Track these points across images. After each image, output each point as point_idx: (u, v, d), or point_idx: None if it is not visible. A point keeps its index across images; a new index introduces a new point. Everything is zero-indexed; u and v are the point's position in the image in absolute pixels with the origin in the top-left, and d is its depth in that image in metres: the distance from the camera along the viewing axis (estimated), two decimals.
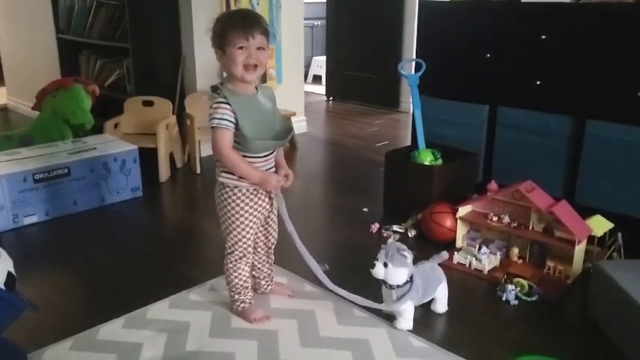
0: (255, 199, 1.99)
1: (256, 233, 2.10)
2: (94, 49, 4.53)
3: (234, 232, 2.01)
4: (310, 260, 2.11)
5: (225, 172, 1.96)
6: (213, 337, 2.01)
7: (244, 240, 2.02)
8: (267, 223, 2.13)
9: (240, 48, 1.83)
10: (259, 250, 2.18)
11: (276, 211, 2.12)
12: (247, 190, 1.97)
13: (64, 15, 4.62)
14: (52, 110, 3.70)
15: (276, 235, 2.19)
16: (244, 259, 2.05)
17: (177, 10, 4.04)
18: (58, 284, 2.41)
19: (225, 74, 1.95)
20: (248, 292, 2.10)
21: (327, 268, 2.45)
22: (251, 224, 2.01)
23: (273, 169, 2.02)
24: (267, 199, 2.03)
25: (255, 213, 2.01)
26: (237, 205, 1.97)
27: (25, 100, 5.40)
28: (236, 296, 2.10)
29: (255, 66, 1.86)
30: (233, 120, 1.86)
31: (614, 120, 2.64)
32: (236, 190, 1.96)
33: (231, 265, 2.06)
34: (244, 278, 2.07)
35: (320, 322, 2.09)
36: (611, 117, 2.65)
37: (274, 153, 2.02)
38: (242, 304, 2.10)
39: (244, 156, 1.91)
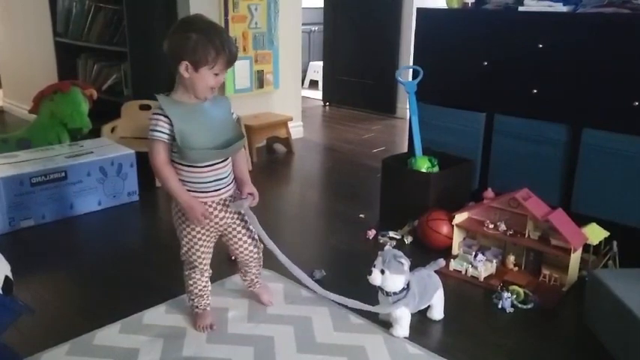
0: (205, 206, 1.94)
1: (210, 245, 2.04)
2: (91, 52, 4.53)
3: (184, 242, 2.01)
4: (296, 271, 2.12)
5: None
6: (209, 342, 2.01)
7: (193, 251, 2.01)
8: (229, 238, 2.07)
9: (216, 74, 1.83)
10: (238, 259, 2.17)
11: (239, 228, 2.06)
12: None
13: (62, 18, 4.62)
14: (49, 113, 3.70)
15: (246, 253, 2.11)
16: (197, 269, 2.04)
17: (175, 14, 4.04)
18: (54, 288, 2.41)
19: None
20: (202, 300, 2.09)
21: (324, 274, 2.46)
22: (200, 236, 1.98)
23: (227, 179, 1.96)
24: (217, 212, 1.96)
25: (207, 222, 1.96)
26: (184, 215, 1.94)
27: (21, 103, 5.39)
28: (190, 302, 2.11)
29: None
30: (167, 131, 1.82)
31: (610, 129, 2.66)
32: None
33: (186, 274, 2.07)
34: (199, 287, 2.07)
35: (316, 329, 2.09)
36: (608, 126, 2.67)
37: (226, 164, 1.95)
38: (195, 309, 2.10)
39: (191, 166, 1.87)
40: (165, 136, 1.83)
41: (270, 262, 2.51)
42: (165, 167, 1.86)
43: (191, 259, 2.03)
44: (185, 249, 2.03)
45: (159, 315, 2.17)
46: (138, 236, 3.05)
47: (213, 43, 1.79)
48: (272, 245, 2.07)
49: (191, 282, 2.07)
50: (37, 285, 2.41)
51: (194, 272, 2.05)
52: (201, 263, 2.04)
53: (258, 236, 2.09)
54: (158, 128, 1.82)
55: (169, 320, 2.14)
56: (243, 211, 2.02)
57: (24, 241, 2.87)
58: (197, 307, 2.10)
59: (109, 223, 3.13)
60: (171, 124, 1.82)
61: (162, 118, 1.83)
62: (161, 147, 1.84)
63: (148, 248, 2.83)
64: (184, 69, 1.81)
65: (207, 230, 2.00)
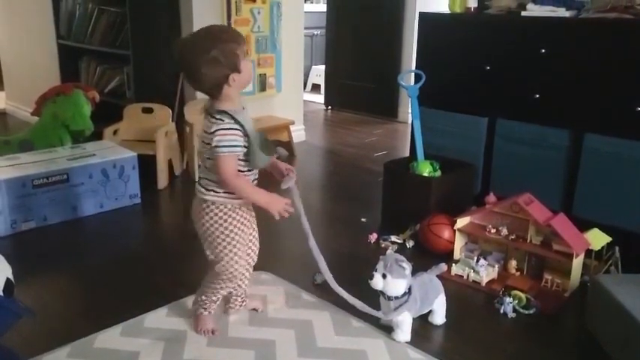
0: (242, 213, 1.94)
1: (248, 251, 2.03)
2: (94, 55, 4.54)
3: (224, 255, 1.94)
4: (321, 261, 2.09)
5: (214, 189, 1.88)
6: (210, 346, 2.00)
7: (234, 262, 1.95)
8: (250, 239, 2.07)
9: (245, 56, 1.82)
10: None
11: (255, 226, 2.07)
12: (232, 205, 1.90)
13: (65, 20, 4.63)
14: (51, 116, 3.71)
15: (257, 251, 2.11)
16: (235, 279, 2.00)
17: (178, 17, 4.05)
18: (55, 291, 2.41)
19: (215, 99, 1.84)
20: (213, 305, 2.06)
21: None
22: (243, 241, 1.96)
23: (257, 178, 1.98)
24: (252, 213, 2.00)
25: (244, 229, 1.95)
26: (228, 222, 1.90)
27: (24, 105, 5.40)
28: (199, 302, 2.06)
29: None
30: (243, 143, 1.81)
31: (612, 134, 2.65)
32: (228, 205, 1.90)
33: (217, 284, 2.00)
34: (218, 295, 2.05)
35: (317, 333, 2.09)
36: (610, 131, 2.66)
37: None
38: (201, 311, 2.06)
39: (240, 171, 1.87)
40: (243, 149, 1.82)
41: (270, 265, 2.52)
42: (239, 177, 1.84)
43: (230, 270, 1.96)
44: (225, 262, 1.94)
45: (160, 318, 2.17)
46: (139, 239, 3.05)
47: (230, 39, 1.77)
48: (307, 226, 2.04)
49: (219, 286, 2.00)
50: (39, 287, 2.41)
51: (231, 282, 2.00)
52: (241, 273, 2.00)
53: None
54: (236, 143, 1.79)
55: (170, 323, 2.13)
56: (291, 187, 1.99)
57: (25, 244, 2.87)
58: (204, 309, 2.05)
59: (110, 226, 3.13)
60: (245, 135, 1.80)
61: (237, 132, 1.79)
62: (235, 160, 1.82)
63: (149, 251, 2.83)
64: (232, 80, 1.78)
65: (246, 234, 1.97)
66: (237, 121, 1.80)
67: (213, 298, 2.05)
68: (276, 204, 1.89)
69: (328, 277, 2.12)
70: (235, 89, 1.82)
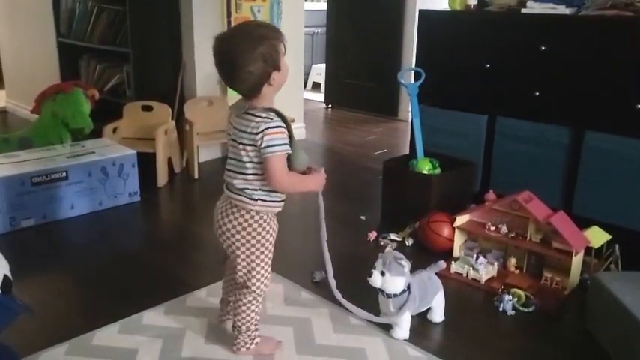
0: (275, 220, 1.87)
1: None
2: (94, 53, 4.54)
3: (265, 267, 1.85)
4: (329, 268, 2.10)
5: (262, 198, 1.77)
6: (208, 343, 2.00)
7: (265, 274, 1.86)
8: None
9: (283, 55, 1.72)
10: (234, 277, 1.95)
11: None
12: (272, 214, 1.83)
13: (65, 19, 4.62)
14: (51, 114, 3.71)
15: None
16: (263, 294, 1.90)
17: (178, 15, 4.05)
18: (54, 288, 2.41)
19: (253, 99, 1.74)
20: (257, 330, 1.94)
21: (324, 275, 2.44)
22: (271, 255, 1.87)
23: None
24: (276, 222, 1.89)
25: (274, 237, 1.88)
26: (268, 232, 1.82)
27: (24, 103, 5.40)
28: (247, 337, 1.92)
29: None
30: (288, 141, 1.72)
31: (612, 132, 2.65)
32: (270, 215, 1.82)
33: (246, 302, 1.87)
34: (257, 317, 1.92)
35: (316, 330, 2.09)
36: (610, 129, 2.66)
37: None
38: (255, 340, 1.93)
39: None
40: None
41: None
42: (290, 174, 1.75)
43: (264, 282, 1.87)
44: (259, 275, 1.84)
45: (158, 315, 2.17)
46: (138, 237, 3.05)
47: (273, 36, 1.68)
48: (324, 230, 2.05)
49: (254, 307, 1.88)
50: (37, 285, 2.41)
51: (260, 297, 1.89)
52: (267, 285, 1.90)
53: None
54: (286, 141, 1.70)
55: (168, 321, 2.13)
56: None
57: (24, 241, 2.87)
58: (257, 336, 1.93)
59: (109, 224, 3.13)
60: (289, 135, 1.71)
61: (284, 129, 1.70)
62: (285, 159, 1.72)
63: (148, 249, 2.83)
64: (272, 79, 1.69)
65: (273, 245, 1.88)
66: (283, 119, 1.71)
67: (255, 320, 1.91)
68: (322, 182, 1.87)
69: (332, 283, 2.12)
70: (274, 88, 1.72)
